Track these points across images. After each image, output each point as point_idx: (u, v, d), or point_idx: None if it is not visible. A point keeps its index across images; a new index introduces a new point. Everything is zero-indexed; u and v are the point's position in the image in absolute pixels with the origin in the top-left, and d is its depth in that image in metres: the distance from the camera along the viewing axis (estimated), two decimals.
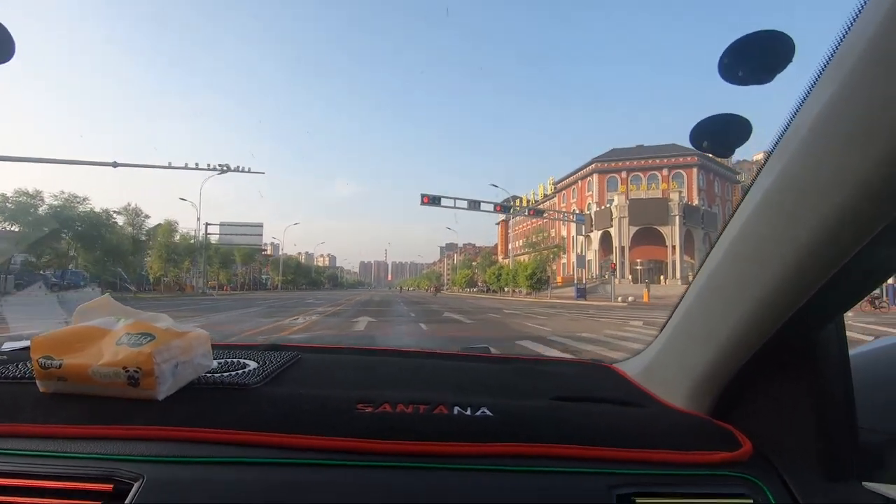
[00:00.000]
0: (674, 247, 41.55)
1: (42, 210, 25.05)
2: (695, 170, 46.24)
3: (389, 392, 0.68)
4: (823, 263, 0.48)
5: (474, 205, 33.02)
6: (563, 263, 52.15)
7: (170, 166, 26.86)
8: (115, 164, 23.60)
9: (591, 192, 51.25)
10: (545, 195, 61.53)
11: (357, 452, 0.54)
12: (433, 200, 31.42)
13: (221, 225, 45.01)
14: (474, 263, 77.53)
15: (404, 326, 11.09)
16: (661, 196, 43.87)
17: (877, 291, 17.29)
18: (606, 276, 38.80)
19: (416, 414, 0.61)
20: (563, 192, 58.25)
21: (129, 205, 33.93)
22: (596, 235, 46.60)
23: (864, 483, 0.56)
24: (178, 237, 40.29)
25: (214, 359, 0.77)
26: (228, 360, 0.82)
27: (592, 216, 46.78)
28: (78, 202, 27.23)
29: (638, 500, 0.52)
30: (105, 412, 0.58)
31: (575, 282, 36.71)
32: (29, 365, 0.67)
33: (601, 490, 0.52)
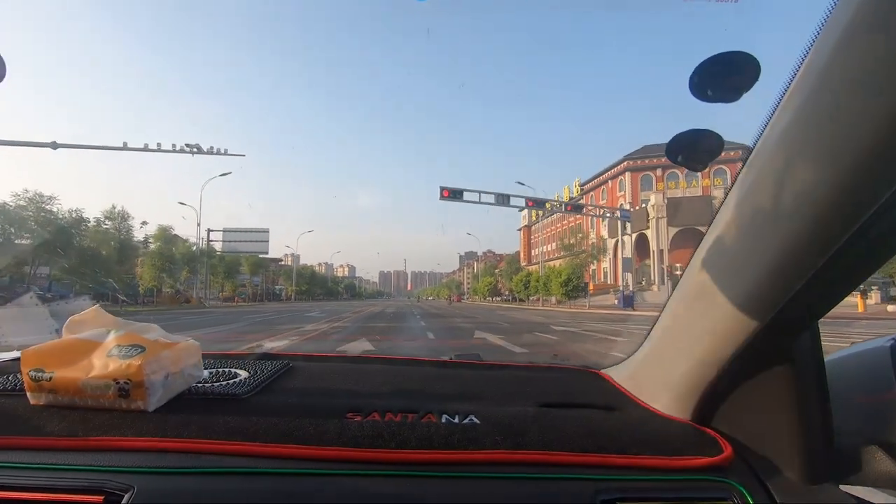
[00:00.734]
0: None
1: None
2: (739, 164, 40.37)
3: (379, 401, 0.70)
4: (796, 271, 0.49)
5: (503, 199, 28.10)
6: (593, 269, 47.41)
7: (125, 147, 23.45)
8: (54, 146, 20.54)
9: (622, 192, 47.52)
10: (571, 198, 57.32)
11: (346, 461, 0.55)
12: (454, 195, 27.01)
13: (224, 231, 42.05)
14: (497, 270, 72.22)
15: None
16: (702, 194, 40.76)
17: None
18: (644, 283, 37.12)
19: (404, 422, 0.62)
20: (592, 192, 54.72)
21: (114, 207, 29.92)
22: (629, 238, 42.58)
23: (840, 486, 0.58)
24: (176, 244, 36.72)
25: (205, 368, 0.77)
26: (219, 370, 0.82)
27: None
28: (44, 202, 23.93)
29: None
30: (96, 424, 0.59)
31: (621, 288, 31.84)
32: (19, 377, 0.67)
33: (586, 496, 0.53)
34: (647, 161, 45.75)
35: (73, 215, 25.19)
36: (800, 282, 0.50)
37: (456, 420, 0.63)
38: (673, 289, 0.74)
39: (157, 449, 0.55)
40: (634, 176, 46.56)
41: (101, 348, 0.64)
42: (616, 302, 28.08)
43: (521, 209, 31.26)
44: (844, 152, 0.41)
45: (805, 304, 0.54)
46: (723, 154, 0.57)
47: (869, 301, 19.11)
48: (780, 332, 0.57)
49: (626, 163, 47.57)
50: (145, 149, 23.85)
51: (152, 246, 33.58)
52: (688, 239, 37.98)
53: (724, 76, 0.53)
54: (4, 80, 0.63)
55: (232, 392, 0.70)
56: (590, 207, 40.81)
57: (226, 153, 26.33)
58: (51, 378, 0.61)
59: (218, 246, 42.47)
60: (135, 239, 31.33)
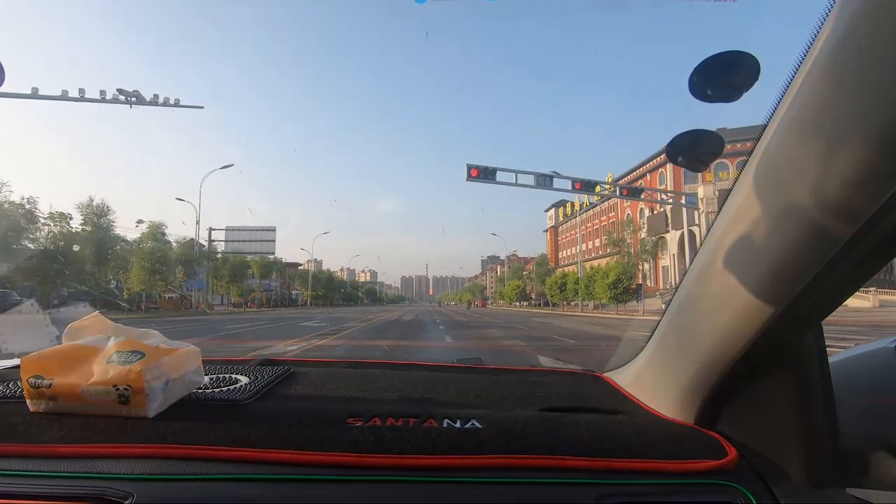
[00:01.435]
0: None
1: None
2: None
3: (380, 406, 0.69)
4: (798, 272, 0.49)
5: (544, 181, 22.16)
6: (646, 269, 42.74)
7: (35, 95, 18.35)
8: None
9: (664, 186, 41.68)
10: (602, 197, 52.36)
11: (346, 467, 0.55)
12: (485, 175, 21.34)
13: (227, 230, 37.38)
14: (525, 273, 66.09)
15: None
16: None
17: None
18: None
19: (405, 427, 0.62)
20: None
21: (91, 200, 25.20)
22: (673, 236, 38.47)
23: (847, 489, 0.58)
24: (171, 244, 31.79)
25: (206, 374, 0.77)
26: (220, 376, 0.82)
27: (668, 213, 38.10)
28: None
29: None
30: (95, 431, 0.59)
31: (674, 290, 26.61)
32: (19, 384, 0.68)
33: (589, 500, 0.53)
34: None
35: (27, 206, 20.75)
36: (803, 282, 0.50)
37: (458, 425, 0.63)
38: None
39: (157, 455, 0.56)
40: (677, 168, 40.88)
41: (101, 355, 0.64)
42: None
43: (566, 192, 24.99)
44: (847, 150, 0.41)
45: (808, 304, 0.53)
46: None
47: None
48: (783, 334, 0.57)
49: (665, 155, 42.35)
50: (60, 97, 18.82)
51: (141, 245, 28.94)
52: None
53: (724, 75, 0.53)
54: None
55: (232, 398, 0.70)
56: (648, 192, 34.85)
57: (177, 104, 21.66)
58: (50, 385, 0.61)
59: (221, 248, 38.51)
60: (116, 236, 27.11)
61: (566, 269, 50.32)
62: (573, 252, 61.24)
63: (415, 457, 0.56)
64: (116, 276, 28.68)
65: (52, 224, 22.89)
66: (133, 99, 20.34)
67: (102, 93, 19.85)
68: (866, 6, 0.38)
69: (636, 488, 0.55)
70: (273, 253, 41.23)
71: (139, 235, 28.95)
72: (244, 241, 37.79)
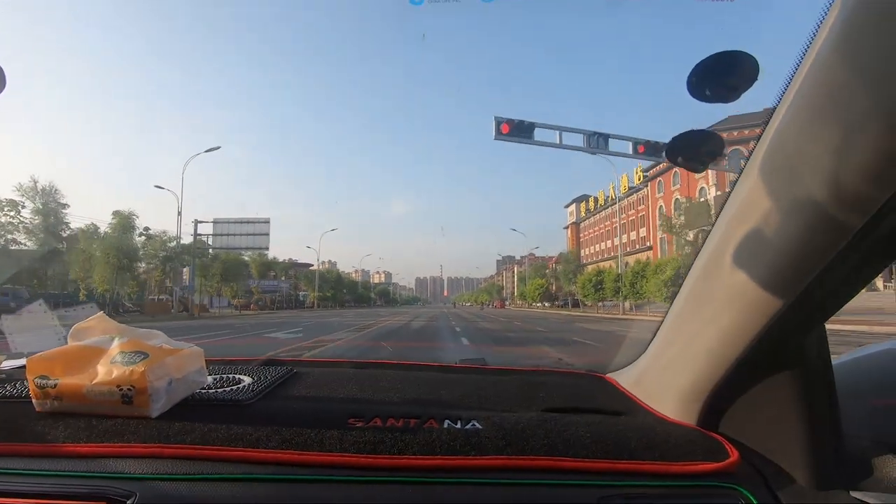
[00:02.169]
0: None
1: None
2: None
3: (381, 406, 0.70)
4: (805, 268, 0.49)
5: (596, 141, 16.73)
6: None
7: None
8: None
9: (703, 175, 37.09)
10: (630, 188, 48.71)
11: (347, 467, 0.55)
12: (519, 131, 16.15)
13: (215, 222, 32.32)
14: (548, 270, 58.94)
15: None
16: None
17: None
18: None
19: (406, 428, 0.62)
20: (660, 178, 44.62)
21: (34, 183, 21.67)
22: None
23: (851, 491, 0.57)
24: (145, 237, 27.13)
25: (209, 374, 0.78)
26: (223, 376, 0.83)
27: (711, 203, 31.71)
28: None
29: None
30: (100, 430, 0.59)
31: None
32: (25, 384, 0.68)
33: (590, 501, 0.53)
34: (734, 134, 31.78)
35: None
36: (808, 279, 0.49)
37: (458, 425, 0.63)
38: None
39: (159, 455, 0.56)
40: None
41: (106, 355, 0.65)
42: None
43: (626, 157, 17.85)
44: (861, 135, 0.40)
45: (811, 305, 0.53)
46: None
47: None
48: (786, 335, 0.57)
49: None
50: None
51: (107, 239, 24.50)
52: None
53: (722, 77, 0.53)
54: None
55: (235, 398, 0.71)
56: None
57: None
58: (56, 385, 0.62)
59: (214, 244, 33.64)
60: (69, 225, 23.57)
61: (603, 264, 44.09)
62: (600, 249, 58.09)
63: (414, 457, 0.56)
64: (64, 273, 24.75)
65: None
66: None
67: None
68: (867, 3, 0.38)
69: (638, 490, 0.55)
70: (267, 248, 36.43)
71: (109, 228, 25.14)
72: (234, 234, 32.57)
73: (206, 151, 26.71)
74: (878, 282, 21.91)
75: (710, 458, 0.58)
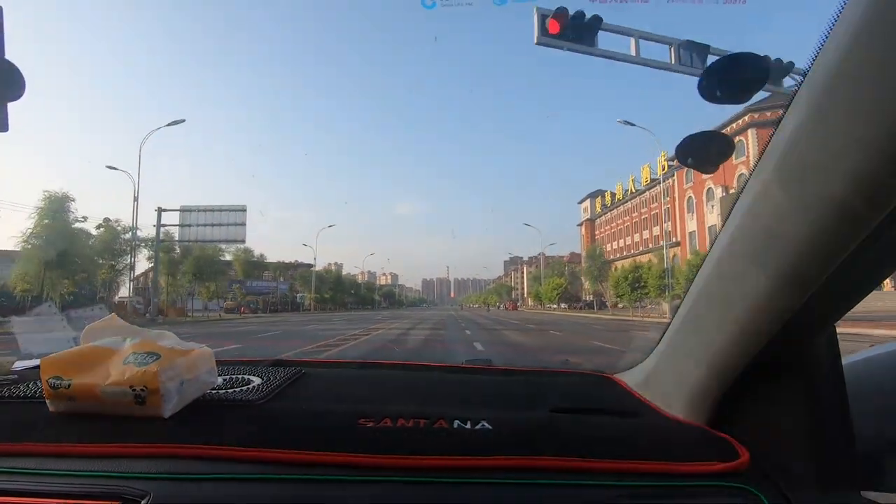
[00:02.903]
0: None
1: None
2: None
3: (391, 406, 0.70)
4: (811, 273, 0.49)
5: (690, 55, 9.20)
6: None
7: None
8: None
9: (743, 158, 31.88)
10: (652, 179, 44.53)
11: (358, 468, 0.55)
12: (574, 32, 8.43)
13: (182, 210, 27.02)
14: (565, 268, 55.45)
15: None
16: None
17: None
18: None
19: (416, 428, 0.62)
20: (678, 172, 40.95)
21: None
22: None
23: (862, 492, 0.57)
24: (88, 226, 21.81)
25: (219, 375, 0.79)
26: (233, 377, 0.84)
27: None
28: None
29: None
30: (113, 431, 0.60)
31: None
32: (39, 384, 0.69)
33: (601, 502, 0.53)
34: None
35: None
36: (817, 282, 0.49)
37: (468, 426, 0.63)
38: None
39: (172, 455, 0.56)
40: (762, 133, 30.25)
41: (118, 356, 0.66)
42: None
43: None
44: (866, 144, 0.39)
45: (822, 305, 0.53)
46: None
47: None
48: (796, 335, 0.57)
49: (748, 116, 31.86)
50: None
51: (33, 229, 19.21)
52: None
53: (733, 78, 0.52)
54: None
55: (245, 398, 0.71)
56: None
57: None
58: (69, 385, 0.63)
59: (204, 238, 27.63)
60: None
61: (642, 258, 38.30)
62: (618, 246, 54.49)
63: (425, 458, 0.56)
64: None
65: None
66: None
67: None
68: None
69: (647, 490, 0.54)
70: (243, 240, 29.29)
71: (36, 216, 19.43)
72: (204, 224, 26.88)
73: (168, 125, 23.13)
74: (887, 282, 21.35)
75: (720, 458, 0.57)
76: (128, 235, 24.44)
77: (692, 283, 0.69)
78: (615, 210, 57.54)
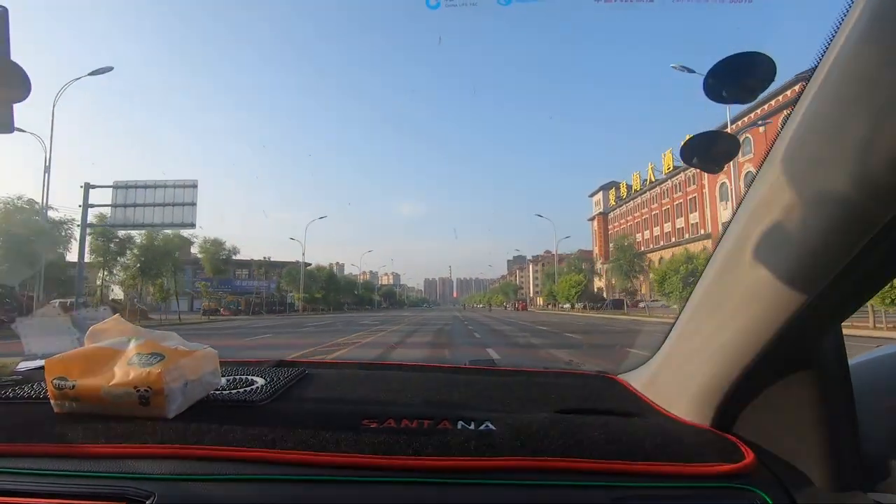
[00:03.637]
0: None
1: None
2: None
3: (394, 407, 0.70)
4: (821, 270, 0.48)
5: None
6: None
7: None
8: None
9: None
10: (673, 167, 42.78)
11: (362, 468, 0.55)
12: None
13: (115, 186, 21.04)
14: (592, 265, 51.94)
15: None
16: None
17: None
18: None
19: (420, 429, 0.62)
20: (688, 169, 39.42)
21: None
22: None
23: (868, 493, 0.57)
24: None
25: (223, 376, 0.79)
26: (236, 378, 0.84)
27: None
28: None
29: None
30: (117, 431, 0.60)
31: None
32: (44, 385, 0.70)
33: (605, 503, 0.53)
34: None
35: None
36: (827, 280, 0.48)
37: (472, 427, 0.63)
38: None
39: (176, 456, 0.57)
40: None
41: (122, 357, 0.66)
42: None
43: None
44: (877, 140, 0.39)
45: (831, 303, 0.52)
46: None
47: None
48: (802, 335, 0.56)
49: (800, 86, 26.37)
50: None
51: None
52: None
53: (739, 78, 0.52)
54: None
55: (249, 399, 0.71)
56: None
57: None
58: (74, 386, 0.63)
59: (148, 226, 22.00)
60: None
61: (687, 246, 34.53)
62: (641, 240, 50.52)
63: (430, 458, 0.56)
64: None
65: None
66: None
67: None
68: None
69: (651, 491, 0.54)
70: (193, 224, 22.05)
71: None
72: (144, 204, 21.08)
73: (91, 74, 18.83)
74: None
75: (725, 459, 0.57)
76: (37, 218, 18.58)
77: (697, 284, 0.69)
78: (631, 202, 55.02)
